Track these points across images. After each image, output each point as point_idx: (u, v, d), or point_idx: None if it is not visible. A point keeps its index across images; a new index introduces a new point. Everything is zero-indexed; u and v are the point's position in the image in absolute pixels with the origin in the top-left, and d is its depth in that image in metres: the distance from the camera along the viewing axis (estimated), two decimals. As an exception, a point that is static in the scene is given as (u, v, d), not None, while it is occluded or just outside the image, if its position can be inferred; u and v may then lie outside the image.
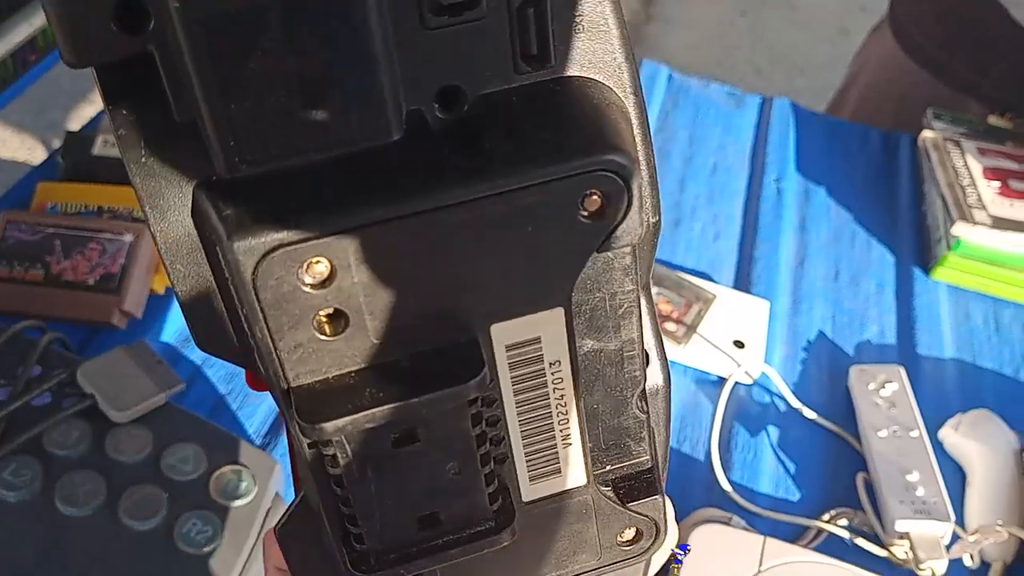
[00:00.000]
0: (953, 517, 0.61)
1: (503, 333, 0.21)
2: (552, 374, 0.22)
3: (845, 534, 0.63)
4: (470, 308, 0.21)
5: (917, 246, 0.86)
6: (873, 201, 0.89)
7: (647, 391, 0.25)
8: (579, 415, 0.23)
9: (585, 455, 0.24)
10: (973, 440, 0.68)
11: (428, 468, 0.22)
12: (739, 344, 0.72)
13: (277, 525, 0.26)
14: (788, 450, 0.69)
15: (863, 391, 0.71)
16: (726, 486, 0.65)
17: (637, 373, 0.23)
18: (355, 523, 0.23)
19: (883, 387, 0.70)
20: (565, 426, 0.24)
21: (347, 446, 0.21)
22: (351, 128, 0.18)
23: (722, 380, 0.71)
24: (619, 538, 0.26)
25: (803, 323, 0.78)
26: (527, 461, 0.24)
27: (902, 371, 0.72)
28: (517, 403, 0.23)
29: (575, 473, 0.25)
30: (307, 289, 0.19)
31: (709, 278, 0.78)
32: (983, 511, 0.64)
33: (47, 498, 0.54)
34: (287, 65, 0.17)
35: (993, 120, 0.92)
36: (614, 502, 0.25)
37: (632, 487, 0.25)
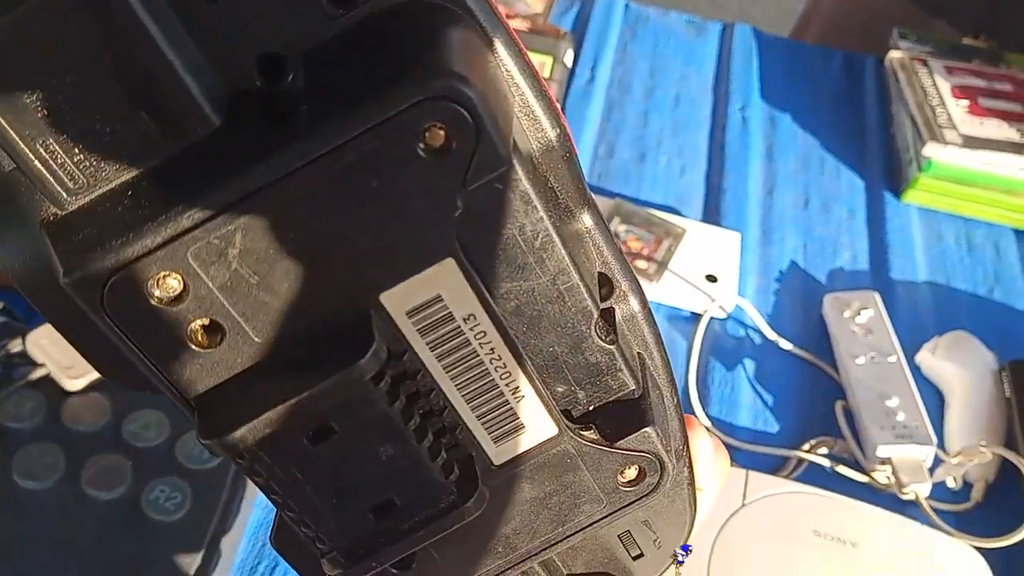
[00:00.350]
0: (935, 440, 0.61)
1: (395, 301, 0.20)
2: (471, 330, 0.21)
3: (826, 463, 0.62)
4: (346, 283, 0.19)
5: (887, 170, 0.84)
6: (840, 126, 0.88)
7: (625, 318, 0.24)
8: (523, 365, 0.22)
9: (547, 404, 0.23)
10: (951, 362, 0.68)
11: (359, 457, 0.21)
12: (711, 278, 0.71)
13: (270, 535, 0.25)
14: (765, 382, 0.68)
15: (838, 319, 0.70)
16: (705, 422, 0.63)
17: (585, 304, 0.21)
18: (308, 526, 0.22)
19: (858, 314, 0.69)
20: (510, 380, 0.22)
21: (260, 455, 0.20)
22: (167, 129, 0.18)
23: (696, 316, 0.70)
24: (620, 479, 0.24)
25: (775, 254, 0.76)
26: (482, 424, 0.23)
27: (877, 297, 0.71)
28: (446, 368, 0.21)
29: (541, 426, 0.23)
30: (164, 307, 0.18)
31: (678, 212, 0.77)
32: (963, 432, 0.64)
33: (4, 473, 0.52)
34: (86, 81, 0.17)
35: (968, 41, 0.90)
36: (599, 444, 0.24)
37: (619, 424, 0.24)
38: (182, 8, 0.17)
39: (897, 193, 0.82)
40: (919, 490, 0.60)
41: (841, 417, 0.64)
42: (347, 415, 0.20)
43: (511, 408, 0.22)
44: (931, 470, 0.61)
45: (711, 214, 0.78)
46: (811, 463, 0.62)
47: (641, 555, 0.29)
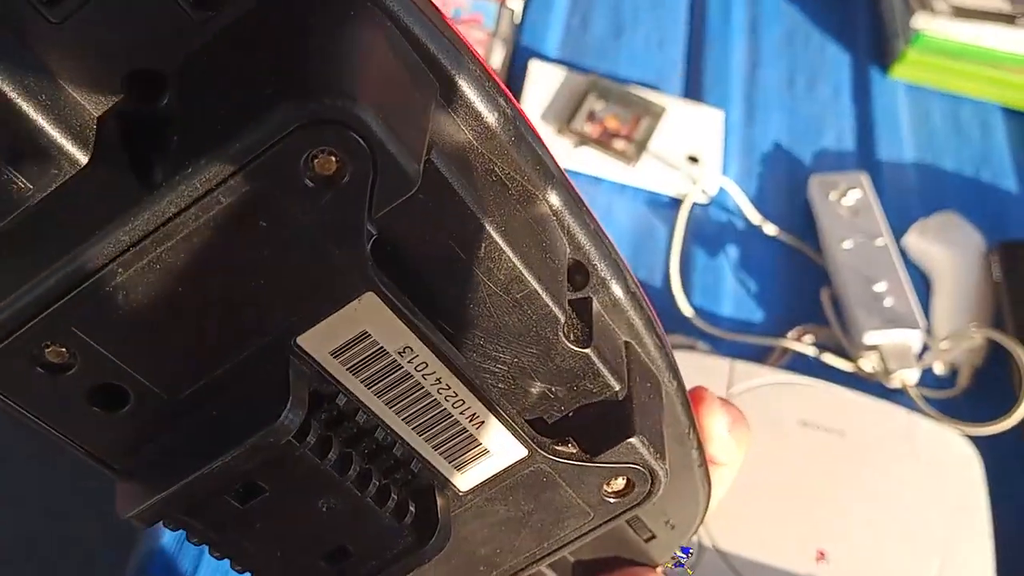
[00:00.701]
0: (923, 325, 0.59)
1: (315, 343, 0.18)
2: (410, 362, 0.19)
3: (812, 351, 0.60)
4: (254, 331, 0.17)
5: (874, 43, 0.80)
6: (826, -3, 0.83)
7: (606, 307, 0.22)
8: (477, 391, 0.20)
9: (511, 427, 0.21)
10: (939, 244, 0.65)
11: (297, 511, 0.20)
12: (693, 159, 0.67)
13: None
14: (749, 269, 0.65)
15: (824, 202, 0.67)
16: (688, 312, 0.61)
17: (547, 310, 0.19)
18: None
19: (845, 195, 0.67)
20: (463, 407, 0.20)
21: (186, 521, 0.19)
22: (30, 174, 0.16)
23: (676, 201, 0.67)
24: (607, 490, 0.22)
25: (758, 133, 0.73)
26: (440, 454, 0.21)
27: (864, 178, 0.68)
28: (388, 404, 0.19)
29: (507, 449, 0.21)
30: (58, 375, 0.17)
31: (657, 89, 0.72)
32: (951, 317, 0.62)
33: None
34: None
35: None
36: (578, 460, 0.22)
37: (600, 433, 0.21)
38: (28, 36, 0.15)
39: (884, 68, 0.78)
40: (906, 376, 0.58)
41: (827, 303, 0.62)
42: (274, 474, 0.19)
43: (470, 435, 0.21)
44: (919, 356, 0.59)
45: (692, 91, 0.74)
46: (797, 352, 0.60)
47: (653, 537, 0.27)
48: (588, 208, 0.21)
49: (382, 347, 0.18)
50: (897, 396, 0.58)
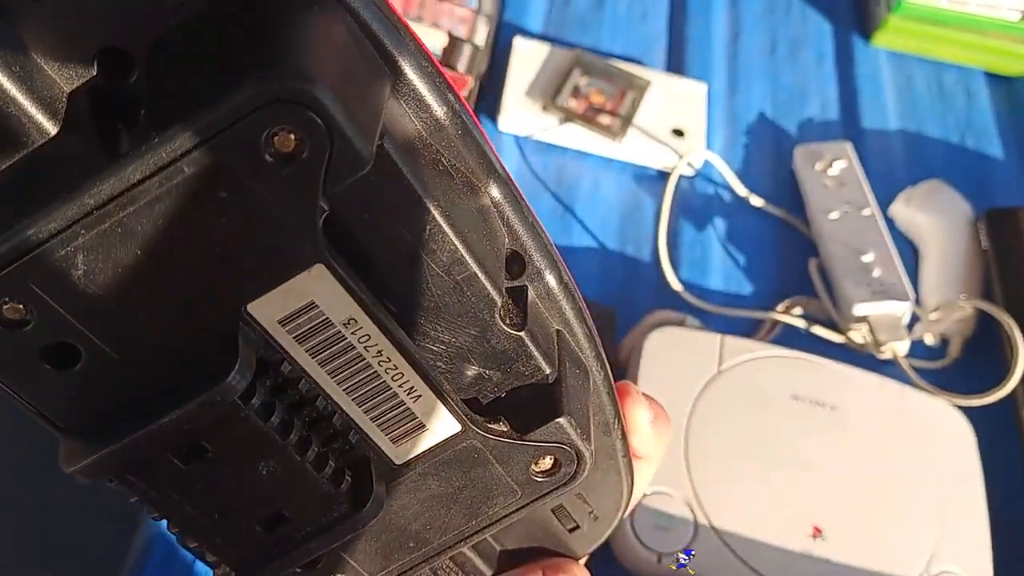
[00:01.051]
0: (912, 296, 0.59)
1: (264, 311, 0.19)
2: (353, 334, 0.20)
3: (802, 323, 0.60)
4: (207, 297, 0.18)
5: (855, 11, 0.80)
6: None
7: (540, 296, 0.23)
8: (416, 366, 0.21)
9: (447, 402, 0.22)
10: (926, 213, 0.65)
11: (238, 474, 0.20)
12: (679, 133, 0.67)
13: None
14: (737, 242, 0.65)
15: (810, 172, 0.67)
16: (676, 286, 0.61)
17: (485, 292, 0.20)
18: (192, 542, 0.21)
19: (831, 166, 0.66)
20: (402, 381, 0.21)
21: (128, 478, 0.19)
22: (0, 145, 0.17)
23: (663, 175, 0.66)
24: (534, 469, 0.23)
25: (742, 104, 0.72)
26: (378, 426, 0.22)
27: (849, 147, 0.67)
28: (331, 374, 0.20)
29: (442, 424, 0.22)
30: (14, 331, 0.17)
31: (640, 63, 0.72)
32: (940, 287, 0.62)
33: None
34: None
35: None
36: (508, 438, 0.23)
37: (531, 413, 0.23)
38: (4, 13, 0.16)
39: (866, 36, 0.78)
40: (897, 348, 0.58)
41: (815, 275, 0.62)
42: (218, 435, 0.19)
43: (407, 408, 0.22)
44: (908, 327, 0.59)
45: (675, 63, 0.73)
46: (786, 325, 0.60)
47: (577, 527, 0.28)
48: (527, 203, 0.22)
49: (328, 318, 0.19)
50: (888, 367, 0.58)
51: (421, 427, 0.22)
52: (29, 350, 0.18)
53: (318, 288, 0.18)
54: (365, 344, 0.20)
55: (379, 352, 0.20)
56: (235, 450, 0.20)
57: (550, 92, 0.66)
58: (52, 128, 0.17)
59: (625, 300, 0.60)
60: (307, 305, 0.19)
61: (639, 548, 0.46)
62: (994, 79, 0.77)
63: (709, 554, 0.46)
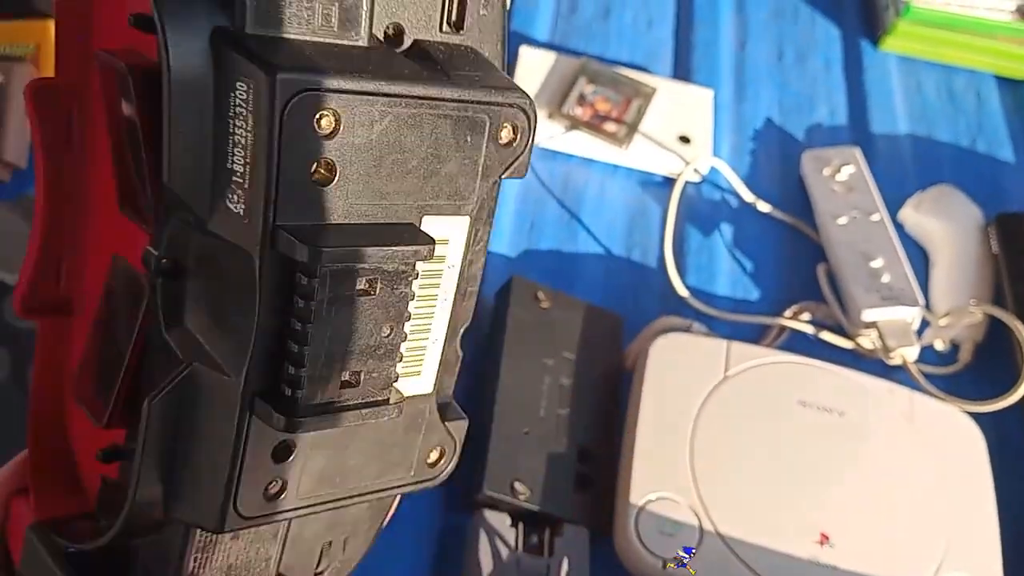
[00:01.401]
0: (922, 301, 0.58)
1: (430, 227, 0.24)
2: (447, 278, 0.25)
3: (810, 329, 0.60)
4: (415, 195, 0.23)
5: (863, 16, 0.79)
6: (815, -30, 0.82)
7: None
8: (448, 324, 0.26)
9: (439, 363, 0.26)
10: (935, 218, 0.65)
11: (372, 324, 0.23)
12: (685, 139, 0.66)
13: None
14: (744, 248, 0.64)
15: (818, 177, 0.66)
16: (683, 292, 0.60)
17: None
18: (301, 364, 0.23)
19: (839, 171, 0.66)
20: (438, 329, 0.26)
21: (328, 280, 0.22)
22: (331, 22, 0.22)
23: (669, 181, 0.66)
24: (428, 457, 0.27)
25: (749, 111, 0.72)
26: (402, 355, 0.25)
27: (857, 152, 0.67)
28: (415, 295, 0.24)
29: (427, 379, 0.26)
30: (317, 136, 0.21)
31: (646, 70, 0.71)
32: (950, 292, 0.61)
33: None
34: None
35: None
36: (441, 418, 0.27)
37: (450, 407, 0.27)
38: None
39: (875, 41, 0.77)
40: (906, 354, 0.57)
41: (824, 281, 0.61)
42: (386, 285, 0.23)
43: (425, 352, 0.26)
44: (918, 333, 0.59)
45: (682, 70, 0.73)
46: (794, 330, 0.59)
47: (320, 574, 0.29)
48: None
49: (446, 255, 0.25)
50: (897, 374, 0.57)
51: (417, 374, 0.26)
52: (314, 155, 0.21)
53: (457, 232, 0.25)
54: (444, 288, 0.25)
55: (445, 299, 0.26)
56: (386, 304, 0.23)
57: (556, 100, 0.66)
58: (372, 41, 0.22)
59: (631, 306, 0.59)
60: (444, 239, 0.24)
61: (644, 554, 0.46)
62: (1004, 83, 0.76)
63: (714, 560, 0.46)
